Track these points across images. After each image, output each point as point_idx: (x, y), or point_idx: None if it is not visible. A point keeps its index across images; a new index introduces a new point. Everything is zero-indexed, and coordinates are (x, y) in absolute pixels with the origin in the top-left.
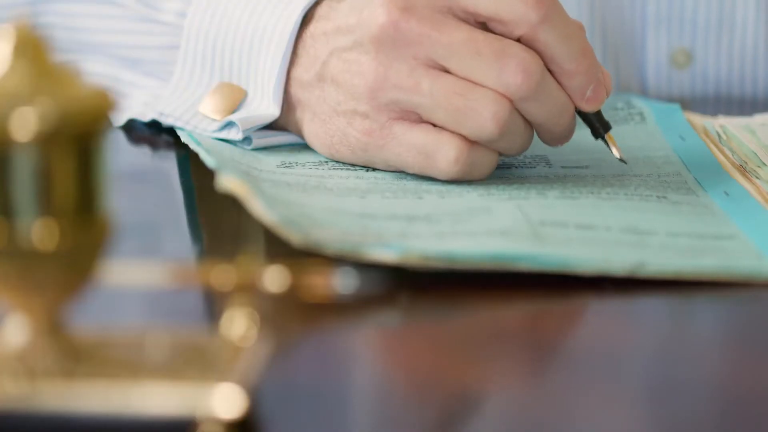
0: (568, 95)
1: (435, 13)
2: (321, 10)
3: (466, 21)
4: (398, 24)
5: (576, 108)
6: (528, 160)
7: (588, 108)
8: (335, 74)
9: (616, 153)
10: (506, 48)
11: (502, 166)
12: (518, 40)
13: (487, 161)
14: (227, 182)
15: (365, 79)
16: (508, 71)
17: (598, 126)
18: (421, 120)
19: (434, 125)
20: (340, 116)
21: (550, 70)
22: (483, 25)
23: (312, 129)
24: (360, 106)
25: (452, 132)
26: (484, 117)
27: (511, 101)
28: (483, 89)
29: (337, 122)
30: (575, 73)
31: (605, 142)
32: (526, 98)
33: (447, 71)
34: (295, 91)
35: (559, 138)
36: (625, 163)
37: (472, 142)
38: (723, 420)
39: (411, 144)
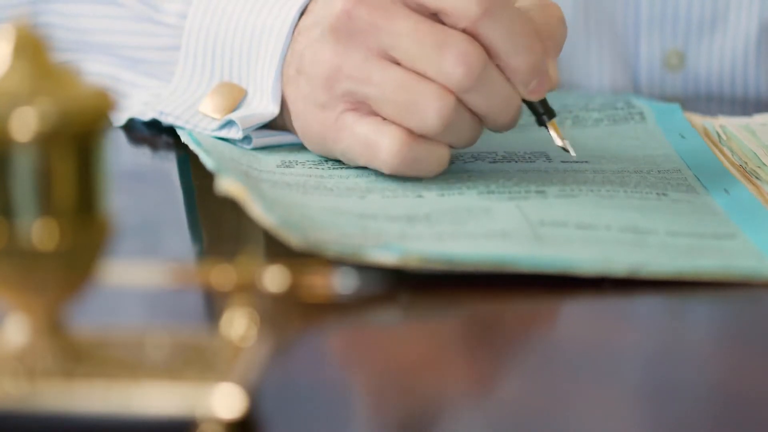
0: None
1: (388, 2)
2: (310, 5)
3: (418, 12)
4: (351, 13)
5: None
6: (528, 155)
7: (531, 98)
8: (305, 66)
9: (557, 141)
10: (448, 38)
11: (501, 161)
12: (462, 31)
13: (435, 156)
14: (226, 186)
15: (322, 69)
16: (448, 62)
17: (542, 113)
18: (373, 112)
19: (384, 118)
20: (307, 108)
21: (496, 63)
22: (435, 17)
23: (295, 124)
24: (319, 96)
25: (398, 125)
26: (427, 112)
27: (455, 95)
28: (427, 83)
29: (306, 114)
30: (519, 68)
31: (547, 129)
32: (468, 89)
33: (397, 62)
34: (284, 87)
35: (504, 127)
36: (568, 152)
37: (417, 137)
38: (723, 420)
39: (357, 135)
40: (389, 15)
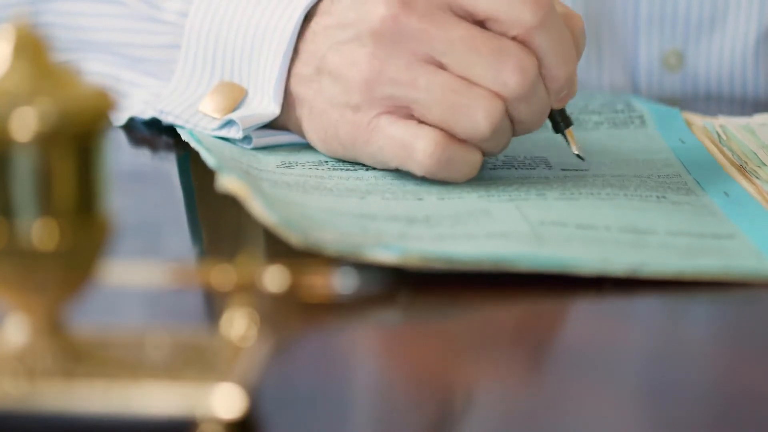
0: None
1: (435, 9)
2: (323, 6)
3: (465, 19)
4: (398, 18)
5: None
6: (528, 161)
7: (557, 106)
8: (332, 67)
9: (574, 149)
10: (504, 47)
11: (502, 167)
12: (513, 39)
13: (469, 160)
14: (227, 183)
15: (361, 72)
16: (506, 70)
17: (560, 121)
18: (411, 116)
19: (420, 122)
20: (334, 109)
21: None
22: (481, 24)
23: (309, 124)
24: (353, 98)
25: (437, 128)
26: (478, 116)
27: (504, 101)
28: (478, 88)
29: (332, 116)
30: (560, 78)
31: (565, 137)
32: (520, 98)
33: (444, 68)
34: (295, 86)
35: (530, 131)
36: (583, 159)
37: (454, 139)
38: (723, 420)
39: (391, 136)
40: (440, 22)
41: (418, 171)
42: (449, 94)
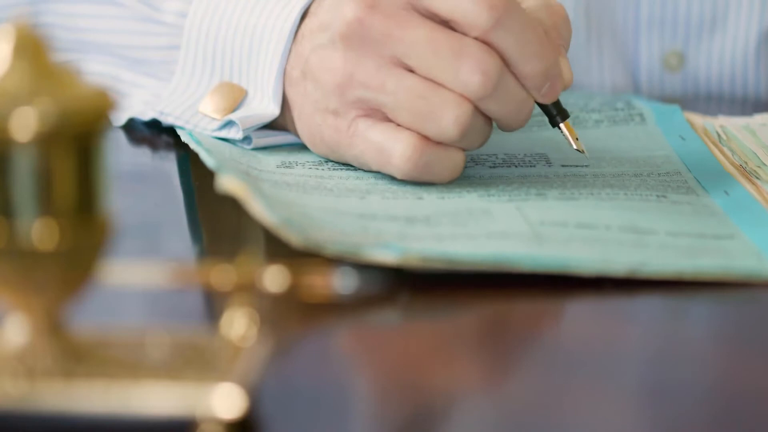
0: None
1: (399, 10)
2: (312, 8)
3: (430, 19)
4: (363, 21)
5: None
6: (528, 158)
7: (544, 101)
8: (313, 70)
9: (572, 143)
10: (464, 47)
11: (501, 165)
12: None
13: (449, 162)
14: (227, 183)
15: (334, 76)
16: (466, 71)
17: (555, 114)
18: (386, 118)
19: (398, 124)
20: (317, 114)
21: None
22: (446, 23)
23: (299, 127)
24: (331, 103)
25: (413, 131)
26: (445, 120)
27: (472, 102)
28: (444, 91)
29: (316, 119)
30: (531, 74)
31: (561, 131)
32: (485, 97)
33: (411, 70)
34: (287, 88)
35: (516, 128)
36: (583, 153)
37: (431, 142)
38: (722, 420)
39: (370, 141)
40: (403, 23)
41: (397, 175)
42: (415, 99)
